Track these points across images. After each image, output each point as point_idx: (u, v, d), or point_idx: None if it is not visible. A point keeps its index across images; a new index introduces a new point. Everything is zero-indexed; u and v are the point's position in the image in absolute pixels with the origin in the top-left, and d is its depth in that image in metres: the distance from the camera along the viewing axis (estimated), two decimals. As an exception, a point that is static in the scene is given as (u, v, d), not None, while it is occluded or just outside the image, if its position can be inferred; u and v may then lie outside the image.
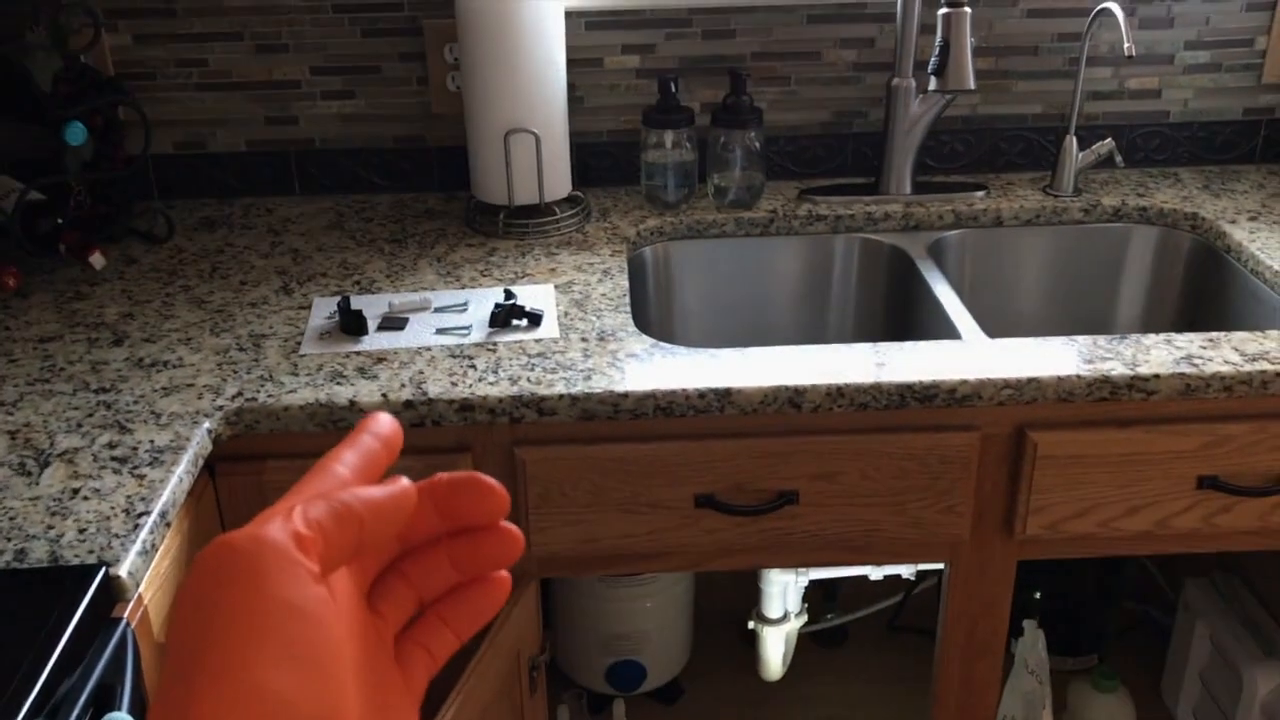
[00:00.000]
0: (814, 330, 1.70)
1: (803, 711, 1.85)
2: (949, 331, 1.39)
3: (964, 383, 1.21)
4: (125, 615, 0.95)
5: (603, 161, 1.75)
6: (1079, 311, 1.68)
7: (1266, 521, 1.28)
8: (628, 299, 1.40)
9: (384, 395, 1.20)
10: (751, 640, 1.76)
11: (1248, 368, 1.20)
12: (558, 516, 1.26)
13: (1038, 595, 1.74)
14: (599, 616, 1.76)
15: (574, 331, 1.32)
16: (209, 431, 1.17)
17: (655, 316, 1.66)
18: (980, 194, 1.67)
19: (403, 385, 1.22)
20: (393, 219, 1.67)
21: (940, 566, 1.37)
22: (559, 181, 1.60)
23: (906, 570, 1.65)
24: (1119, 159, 1.64)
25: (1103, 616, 1.81)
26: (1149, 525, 1.28)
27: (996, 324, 1.65)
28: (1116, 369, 1.21)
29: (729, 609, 1.93)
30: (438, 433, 1.23)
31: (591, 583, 1.74)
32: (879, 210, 1.65)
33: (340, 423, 1.19)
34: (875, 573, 1.65)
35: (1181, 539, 1.31)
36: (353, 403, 1.19)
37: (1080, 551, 1.32)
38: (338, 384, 1.23)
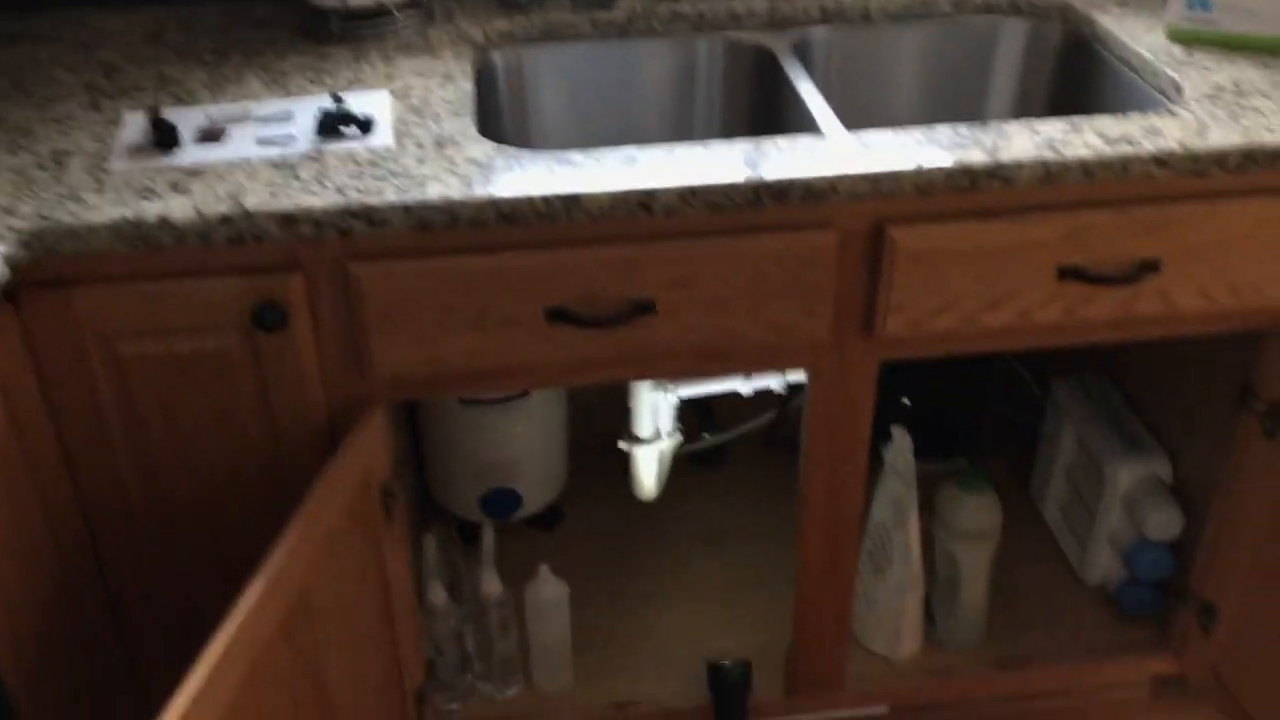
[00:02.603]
0: (680, 136, 1.63)
1: (682, 529, 1.84)
2: (811, 129, 1.32)
3: (820, 178, 1.15)
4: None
5: (447, -39, 1.61)
6: (950, 109, 1.63)
7: (1127, 311, 1.27)
8: (471, 103, 1.30)
9: (198, 211, 1.10)
10: (628, 462, 1.74)
11: (1109, 151, 1.17)
12: (401, 335, 1.19)
13: (906, 401, 1.73)
14: (469, 445, 1.71)
15: (409, 139, 1.23)
16: (4, 258, 1.06)
17: (510, 128, 1.56)
18: (848, -13, 1.58)
19: (219, 199, 1.12)
20: (219, 29, 1.53)
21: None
22: (396, -19, 1.47)
23: (776, 384, 1.62)
24: (990, -54, 1.56)
25: (971, 420, 1.82)
26: (1011, 319, 1.26)
27: (866, 123, 1.59)
28: (976, 157, 1.16)
29: (606, 432, 1.89)
30: (263, 250, 1.14)
31: (459, 410, 1.68)
32: (743, 6, 1.55)
33: (151, 241, 1.09)
34: (745, 387, 1.63)
35: (1043, 332, 1.29)
36: (164, 219, 1.09)
37: (942, 349, 1.30)
38: (147, 200, 1.12)
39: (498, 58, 1.52)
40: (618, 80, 1.58)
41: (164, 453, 1.23)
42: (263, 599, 1.00)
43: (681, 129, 1.61)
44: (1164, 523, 1.53)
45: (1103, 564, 1.66)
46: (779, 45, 1.52)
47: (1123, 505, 1.59)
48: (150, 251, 1.11)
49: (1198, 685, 1.54)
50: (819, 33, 1.56)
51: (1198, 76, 1.33)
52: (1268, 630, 1.40)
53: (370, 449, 1.22)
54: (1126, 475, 1.58)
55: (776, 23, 1.56)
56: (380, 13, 1.46)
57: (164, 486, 1.25)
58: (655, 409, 1.63)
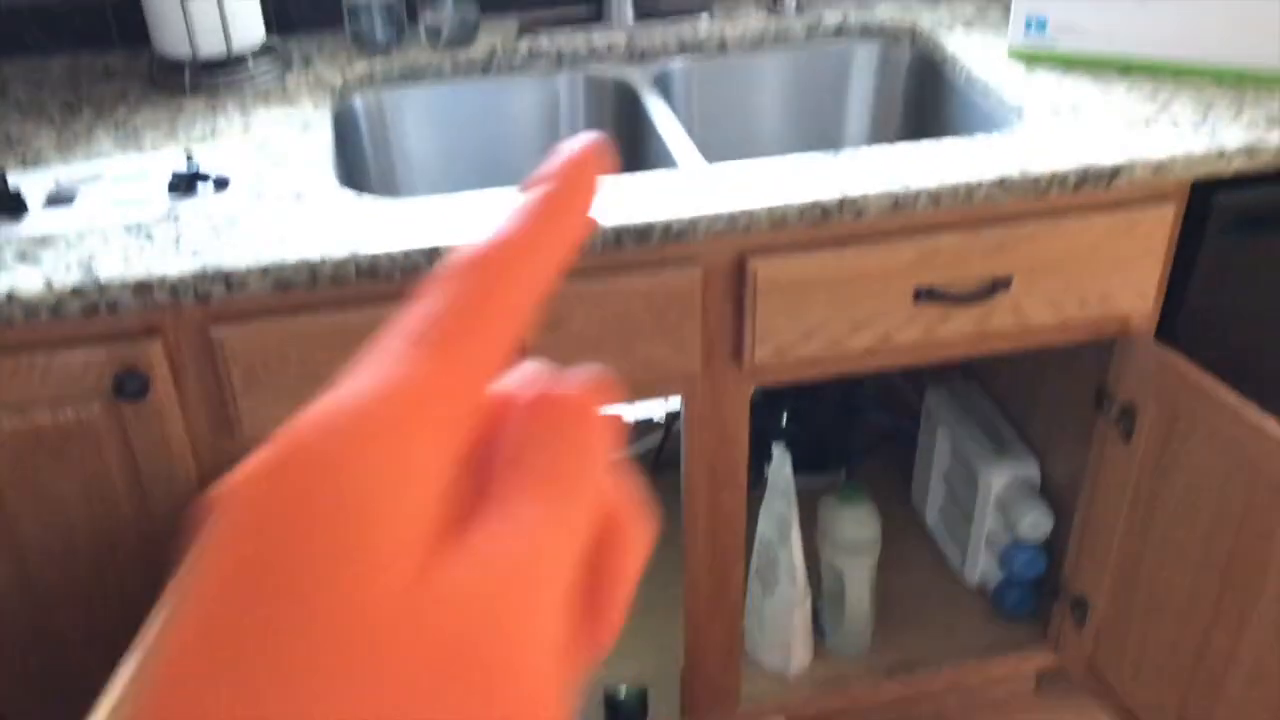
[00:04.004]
0: (549, 173, 1.63)
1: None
2: (672, 163, 1.35)
3: (679, 220, 1.17)
4: None
5: (302, 3, 1.60)
6: (810, 132, 1.67)
7: (982, 327, 1.32)
8: (330, 153, 1.29)
9: (48, 283, 1.08)
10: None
11: (953, 179, 1.21)
12: (267, 397, 1.18)
13: (785, 418, 1.77)
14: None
15: (268, 193, 1.21)
16: None
17: (374, 170, 1.55)
18: (704, 17, 1.61)
19: (69, 268, 1.09)
20: (67, 84, 1.49)
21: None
22: (248, 28, 1.46)
23: (656, 411, 1.64)
24: (838, -27, 1.61)
25: (850, 431, 1.86)
26: (872, 342, 1.29)
27: (728, 151, 1.62)
28: (828, 191, 1.19)
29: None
30: (119, 319, 1.12)
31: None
32: (602, 42, 1.57)
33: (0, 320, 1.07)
34: (627, 416, 1.64)
35: (905, 352, 1.33)
36: (11, 295, 1.07)
37: (810, 374, 1.33)
38: (-7, 275, 1.09)
39: (358, 101, 1.51)
40: (482, 119, 1.58)
41: (33, 533, 1.20)
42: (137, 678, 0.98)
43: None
44: (1034, 524, 1.59)
45: (981, 566, 1.72)
46: (639, 79, 1.54)
47: (996, 508, 1.65)
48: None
49: (1077, 678, 1.60)
50: (678, 64, 1.58)
51: (1038, 96, 1.38)
52: (1134, 621, 1.46)
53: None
54: (998, 479, 1.63)
55: (635, 56, 1.58)
56: (235, 62, 1.44)
57: (34, 566, 1.22)
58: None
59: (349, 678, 0.19)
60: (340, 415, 0.21)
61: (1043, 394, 1.62)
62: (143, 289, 1.09)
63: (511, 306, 0.23)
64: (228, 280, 1.10)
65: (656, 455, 1.95)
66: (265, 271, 1.10)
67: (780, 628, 1.59)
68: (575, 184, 0.25)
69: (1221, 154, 1.25)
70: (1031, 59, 1.46)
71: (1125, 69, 1.42)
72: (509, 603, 0.21)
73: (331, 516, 0.20)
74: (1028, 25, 1.45)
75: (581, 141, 0.26)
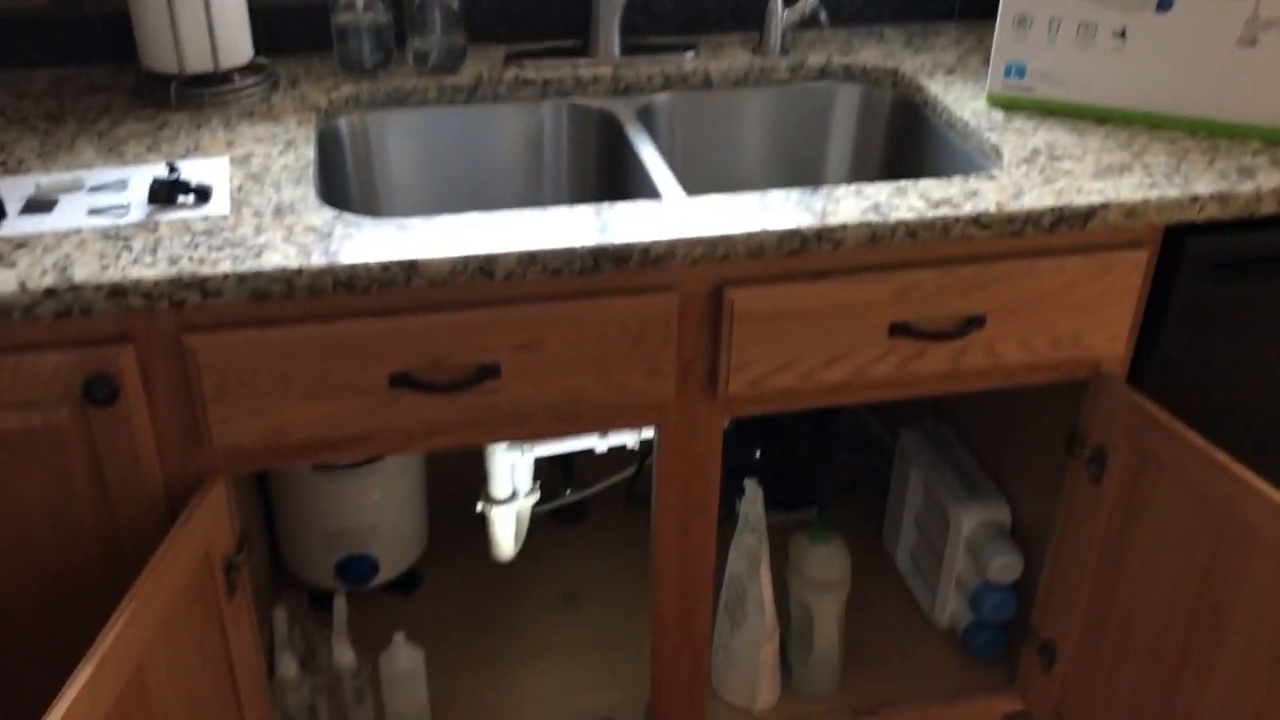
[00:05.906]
0: (529, 201, 1.65)
1: (542, 589, 1.84)
2: (653, 194, 1.36)
3: (657, 243, 1.17)
4: None
5: (293, 25, 1.61)
6: (791, 170, 1.68)
7: (955, 365, 1.32)
8: (311, 170, 1.30)
9: (21, 284, 1.07)
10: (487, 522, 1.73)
11: (931, 214, 1.22)
12: (239, 407, 1.17)
13: (758, 454, 1.77)
14: (322, 512, 1.68)
15: (247, 207, 1.21)
16: None
17: (357, 193, 1.56)
18: (690, 54, 1.63)
19: (44, 272, 1.09)
20: (51, 95, 1.49)
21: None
22: (237, 46, 1.47)
23: (630, 440, 1.64)
24: (824, 17, 1.63)
25: (822, 470, 1.86)
26: (846, 375, 1.30)
27: (710, 187, 1.64)
28: (806, 220, 1.20)
29: (465, 494, 1.89)
30: (92, 323, 1.11)
31: (311, 477, 1.65)
32: (588, 73, 1.59)
33: (-30, 317, 1.06)
34: (601, 445, 1.64)
35: (878, 387, 1.34)
36: (-17, 294, 1.06)
37: (784, 405, 1.33)
38: (-33, 274, 1.09)
39: (343, 123, 1.52)
40: (465, 145, 1.59)
41: (-9, 534, 1.18)
42: (90, 686, 0.96)
43: (531, 193, 1.63)
44: (1005, 566, 1.59)
45: (951, 607, 1.71)
46: (623, 111, 1.55)
47: (966, 550, 1.65)
48: (-29, 328, 1.08)
49: (1042, 722, 1.60)
50: (662, 99, 1.60)
51: (1015, 140, 1.40)
52: (1101, 666, 1.46)
53: (210, 524, 1.19)
54: (969, 521, 1.63)
55: (620, 90, 1.59)
56: (222, 78, 1.45)
57: (-10, 570, 1.20)
58: (512, 469, 1.63)
59: None
60: None
61: (1015, 437, 1.63)
62: (117, 293, 1.08)
63: None
64: (203, 287, 1.09)
65: (630, 487, 1.95)
66: (242, 280, 1.10)
67: (747, 663, 1.58)
68: None
69: (1194, 199, 1.27)
70: (1010, 105, 1.48)
71: (1102, 118, 1.45)
72: None
73: None
74: (1007, 72, 1.47)
75: None
